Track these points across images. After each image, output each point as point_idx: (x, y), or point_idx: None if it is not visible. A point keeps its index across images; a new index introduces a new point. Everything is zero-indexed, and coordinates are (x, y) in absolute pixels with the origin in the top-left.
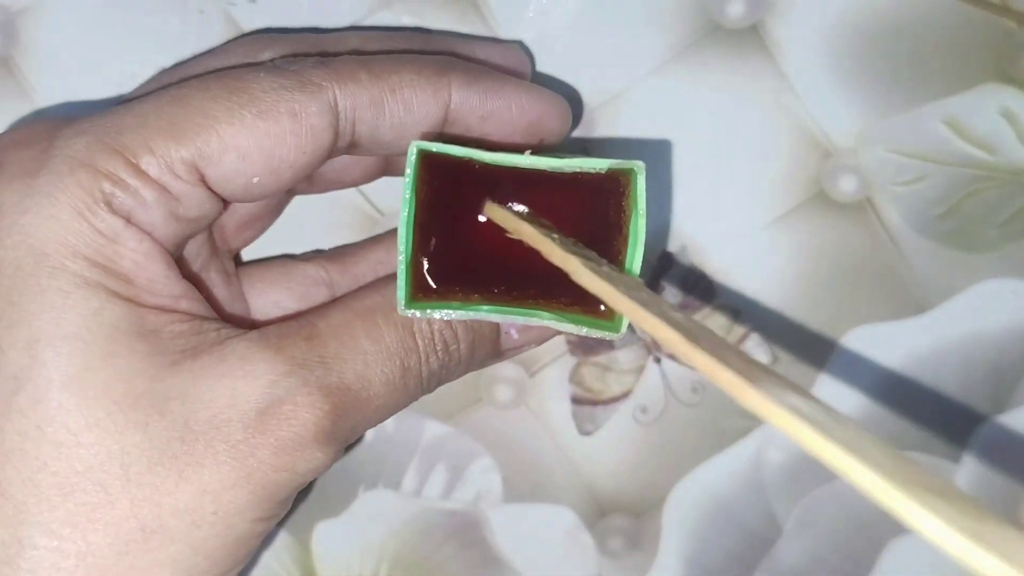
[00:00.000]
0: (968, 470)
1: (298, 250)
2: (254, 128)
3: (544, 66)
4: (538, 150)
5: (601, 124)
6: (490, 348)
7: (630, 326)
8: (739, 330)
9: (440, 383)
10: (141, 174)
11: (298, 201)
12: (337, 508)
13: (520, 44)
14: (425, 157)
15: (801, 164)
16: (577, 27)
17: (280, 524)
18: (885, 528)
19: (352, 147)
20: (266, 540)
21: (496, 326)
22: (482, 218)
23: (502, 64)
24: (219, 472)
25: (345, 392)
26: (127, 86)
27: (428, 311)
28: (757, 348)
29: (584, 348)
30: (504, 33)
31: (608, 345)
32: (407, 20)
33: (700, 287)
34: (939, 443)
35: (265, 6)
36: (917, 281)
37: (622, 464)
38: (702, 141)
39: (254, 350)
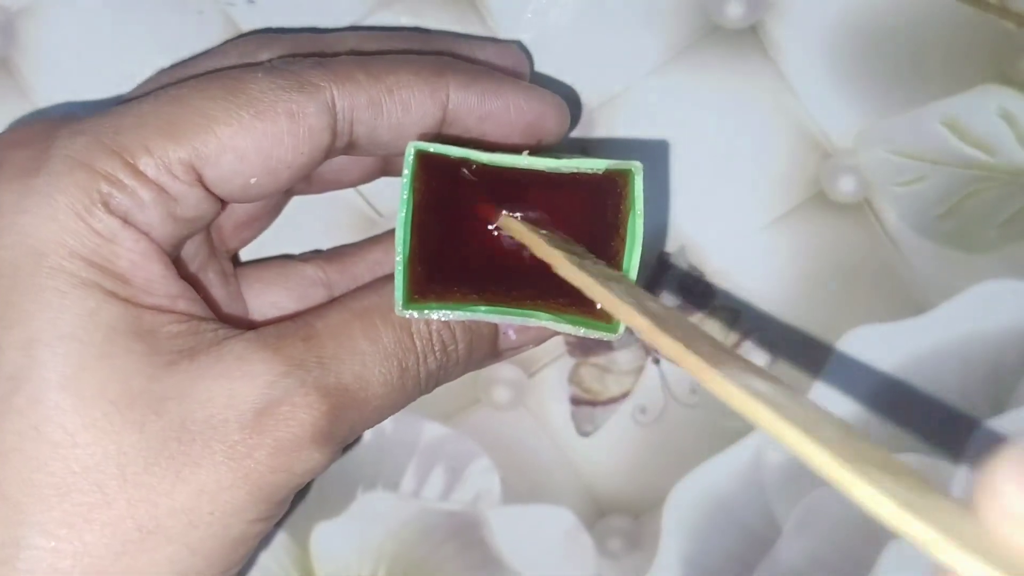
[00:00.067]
0: (968, 470)
1: (296, 250)
2: (252, 128)
3: (543, 66)
4: (536, 151)
5: (600, 124)
6: (488, 349)
7: (628, 327)
8: (738, 330)
9: (438, 384)
10: (139, 174)
11: (296, 201)
12: (336, 509)
13: (519, 44)
14: (423, 158)
15: (800, 165)
16: (576, 27)
17: (278, 525)
18: (885, 528)
19: (350, 148)
20: (264, 541)
21: (494, 327)
22: (480, 219)
23: (500, 64)
24: (216, 472)
25: (343, 393)
26: (126, 86)
27: (426, 312)
28: (756, 348)
29: (583, 349)
30: (503, 33)
31: (607, 346)
32: (405, 20)
33: (699, 288)
34: (938, 443)
35: (263, 6)
36: (916, 282)
37: (621, 465)
38: (701, 142)
39: (252, 350)
